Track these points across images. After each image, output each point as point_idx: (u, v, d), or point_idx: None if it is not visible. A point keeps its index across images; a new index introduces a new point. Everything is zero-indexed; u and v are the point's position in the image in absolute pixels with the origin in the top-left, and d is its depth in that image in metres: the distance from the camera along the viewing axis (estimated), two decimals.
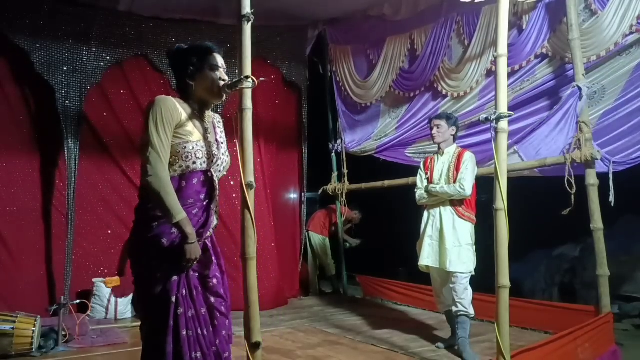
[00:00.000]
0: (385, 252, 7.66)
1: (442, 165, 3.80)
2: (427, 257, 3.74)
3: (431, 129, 3.87)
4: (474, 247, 3.68)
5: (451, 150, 3.81)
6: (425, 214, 3.85)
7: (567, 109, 4.07)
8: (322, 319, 4.95)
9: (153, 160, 1.96)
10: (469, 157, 3.70)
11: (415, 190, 3.91)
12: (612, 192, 3.85)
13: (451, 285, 3.62)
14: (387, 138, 5.71)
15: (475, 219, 3.71)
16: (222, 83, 2.16)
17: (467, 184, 3.60)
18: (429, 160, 3.94)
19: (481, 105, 4.79)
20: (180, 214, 1.95)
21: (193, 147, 2.08)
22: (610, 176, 3.87)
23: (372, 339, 4.08)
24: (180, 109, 2.08)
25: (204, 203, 2.12)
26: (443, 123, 3.80)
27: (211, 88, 2.15)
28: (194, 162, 2.08)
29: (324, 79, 6.44)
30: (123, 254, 5.13)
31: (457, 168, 3.68)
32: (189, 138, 2.07)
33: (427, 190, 3.79)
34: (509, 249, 2.68)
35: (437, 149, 3.91)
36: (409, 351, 3.70)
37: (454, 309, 3.60)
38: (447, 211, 3.70)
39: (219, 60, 2.18)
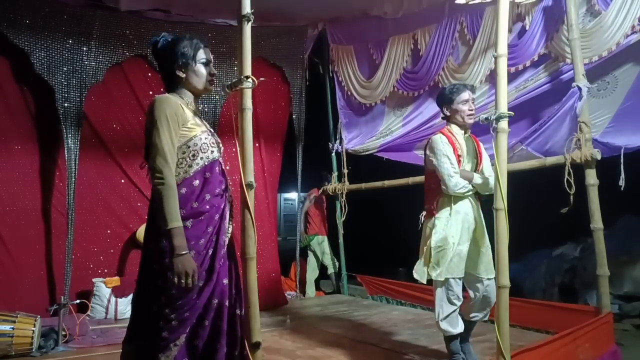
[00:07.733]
0: (386, 252, 7.66)
1: (467, 148, 3.19)
2: (457, 268, 3.10)
3: (465, 102, 3.13)
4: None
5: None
6: (446, 211, 3.12)
7: (568, 109, 4.06)
8: (322, 319, 4.95)
9: (160, 166, 1.95)
10: (482, 146, 3.29)
11: (448, 175, 3.04)
12: (622, 176, 3.80)
13: (485, 294, 3.17)
14: (392, 136, 5.67)
15: None
16: (210, 78, 2.19)
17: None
18: (452, 138, 3.14)
19: (487, 103, 4.78)
20: (177, 221, 1.92)
21: (207, 137, 2.10)
22: (622, 160, 3.82)
23: (372, 339, 4.08)
24: (182, 105, 2.08)
25: (225, 193, 2.14)
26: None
27: (201, 81, 2.17)
28: (212, 151, 2.11)
29: (324, 79, 6.43)
30: (123, 254, 5.14)
31: (480, 155, 3.22)
32: (198, 130, 2.09)
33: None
34: (509, 248, 2.68)
35: (462, 129, 3.19)
36: (409, 351, 3.70)
37: (483, 315, 3.28)
38: (478, 208, 3.19)
39: (208, 54, 2.20)
